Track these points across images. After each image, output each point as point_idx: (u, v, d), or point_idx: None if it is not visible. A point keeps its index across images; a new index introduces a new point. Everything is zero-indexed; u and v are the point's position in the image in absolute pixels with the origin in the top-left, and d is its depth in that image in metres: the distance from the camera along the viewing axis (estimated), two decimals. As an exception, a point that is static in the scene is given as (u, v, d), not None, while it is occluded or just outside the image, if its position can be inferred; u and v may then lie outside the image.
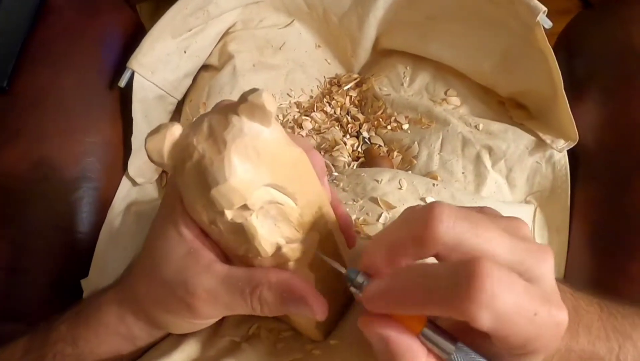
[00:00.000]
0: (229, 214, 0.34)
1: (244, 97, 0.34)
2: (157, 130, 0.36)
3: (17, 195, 0.69)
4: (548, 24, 0.69)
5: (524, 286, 0.29)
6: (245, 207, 0.34)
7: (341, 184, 0.63)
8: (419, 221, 0.31)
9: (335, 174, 0.67)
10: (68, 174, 0.72)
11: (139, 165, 0.77)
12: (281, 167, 0.36)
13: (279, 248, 0.37)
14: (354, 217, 0.58)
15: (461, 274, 0.29)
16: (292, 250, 0.37)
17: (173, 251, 0.38)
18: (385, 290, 0.32)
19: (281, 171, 0.36)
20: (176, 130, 0.36)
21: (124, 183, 0.77)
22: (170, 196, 0.40)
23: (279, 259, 0.37)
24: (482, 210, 0.37)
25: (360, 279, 0.34)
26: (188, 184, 0.35)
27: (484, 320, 0.28)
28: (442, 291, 0.29)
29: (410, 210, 0.34)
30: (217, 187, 0.33)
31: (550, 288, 0.31)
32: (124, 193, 0.76)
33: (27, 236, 0.69)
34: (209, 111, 0.37)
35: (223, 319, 0.48)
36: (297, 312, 0.37)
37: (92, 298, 0.48)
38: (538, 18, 0.68)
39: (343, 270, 0.35)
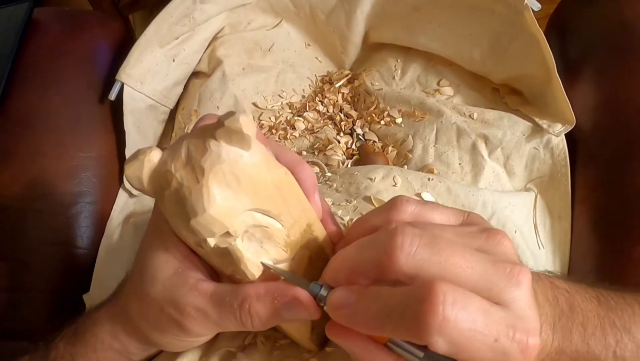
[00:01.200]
0: (211, 241, 0.34)
1: (220, 122, 0.33)
2: (135, 156, 0.35)
3: (14, 214, 0.70)
4: (537, 6, 0.68)
5: (483, 310, 0.29)
6: (228, 234, 0.34)
7: (335, 185, 0.63)
8: (381, 248, 0.31)
9: (329, 174, 0.66)
10: (64, 190, 0.72)
11: (135, 176, 0.77)
12: (263, 191, 0.35)
13: (266, 269, 0.36)
14: (347, 218, 0.57)
15: (414, 299, 0.29)
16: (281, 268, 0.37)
17: (161, 271, 0.38)
18: (347, 310, 0.32)
19: (264, 194, 0.35)
20: (154, 156, 0.35)
21: (121, 195, 0.77)
22: (157, 215, 0.40)
23: (267, 280, 0.37)
24: (468, 218, 0.38)
25: (324, 292, 0.34)
26: (169, 211, 0.35)
27: (439, 344, 0.28)
28: (397, 316, 0.29)
29: (377, 235, 0.34)
30: (196, 218, 0.33)
31: (521, 312, 0.31)
32: (121, 205, 0.76)
33: (26, 254, 0.69)
34: (188, 133, 0.36)
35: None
36: (290, 317, 0.36)
37: (88, 314, 0.48)
38: (526, 1, 0.67)
39: (306, 286, 0.35)
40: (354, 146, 0.76)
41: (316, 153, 0.76)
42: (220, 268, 0.37)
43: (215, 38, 0.85)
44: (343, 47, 0.86)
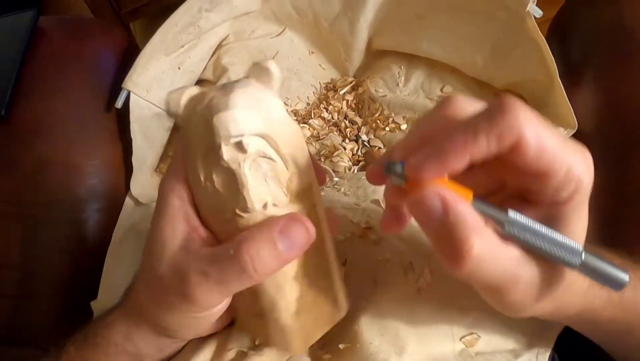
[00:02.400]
0: (225, 151, 0.36)
1: (254, 63, 0.39)
2: (179, 88, 0.39)
3: (21, 221, 0.70)
4: (538, 12, 0.69)
5: (546, 124, 0.31)
6: (240, 147, 0.36)
7: (343, 189, 0.63)
8: (439, 106, 0.35)
9: (337, 179, 0.67)
10: (71, 198, 0.72)
11: (142, 184, 0.77)
12: (278, 127, 0.38)
13: (265, 206, 0.38)
14: (356, 220, 0.57)
15: (493, 103, 0.31)
16: (278, 214, 0.38)
17: (168, 248, 0.38)
18: (430, 147, 0.32)
19: (278, 129, 0.38)
20: (195, 89, 0.39)
21: (128, 203, 0.77)
22: (163, 195, 0.40)
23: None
24: None
25: (398, 168, 0.34)
26: (194, 130, 0.38)
27: (529, 131, 0.30)
28: (482, 120, 0.30)
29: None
30: (218, 114, 0.36)
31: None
32: (128, 213, 0.76)
33: (33, 262, 0.69)
34: None
35: (229, 332, 0.48)
36: (290, 244, 0.36)
37: (99, 318, 0.48)
38: (528, 7, 0.68)
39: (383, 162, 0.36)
40: (359, 153, 0.77)
41: (322, 160, 0.76)
42: (222, 209, 0.38)
43: (219, 46, 0.86)
44: (347, 55, 0.87)
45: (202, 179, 0.38)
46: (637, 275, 0.44)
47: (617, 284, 0.33)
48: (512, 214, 0.32)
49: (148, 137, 0.78)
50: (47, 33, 0.80)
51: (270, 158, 0.38)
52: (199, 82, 0.85)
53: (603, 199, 0.65)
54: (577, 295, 0.39)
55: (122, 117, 0.77)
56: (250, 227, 0.37)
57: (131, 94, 0.75)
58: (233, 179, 0.37)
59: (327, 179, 0.69)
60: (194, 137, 0.38)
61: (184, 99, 0.39)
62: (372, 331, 0.47)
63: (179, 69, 0.80)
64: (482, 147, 0.30)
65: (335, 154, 0.75)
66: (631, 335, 0.44)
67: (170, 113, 0.39)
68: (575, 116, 0.67)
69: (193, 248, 0.38)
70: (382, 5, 0.81)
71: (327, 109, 0.83)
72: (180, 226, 0.38)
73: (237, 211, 0.37)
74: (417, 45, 0.80)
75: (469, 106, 0.33)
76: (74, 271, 0.71)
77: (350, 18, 0.82)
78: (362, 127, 0.80)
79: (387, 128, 0.77)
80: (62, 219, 0.72)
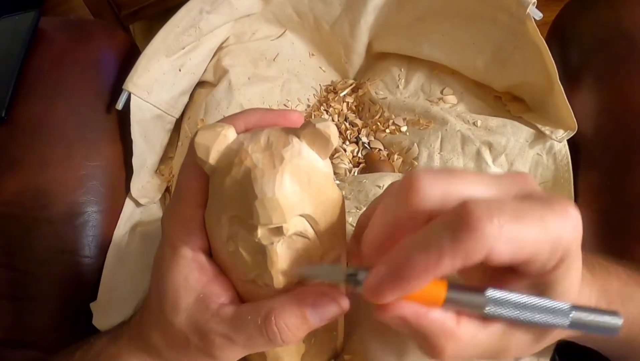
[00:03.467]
0: (260, 232, 0.33)
1: (311, 124, 0.34)
2: (211, 127, 0.35)
3: (21, 223, 0.70)
4: (538, 15, 0.69)
5: (518, 201, 0.29)
6: (278, 230, 0.34)
7: (343, 192, 0.63)
8: (401, 189, 0.30)
9: (337, 182, 0.67)
10: (71, 199, 0.72)
11: (142, 186, 0.77)
12: (323, 203, 0.35)
13: (290, 283, 0.36)
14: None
15: (458, 217, 0.27)
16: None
17: (182, 299, 0.37)
18: (388, 270, 0.29)
19: (321, 206, 0.35)
20: (231, 134, 0.35)
21: (128, 204, 0.77)
22: (169, 237, 0.39)
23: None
24: None
25: (361, 276, 0.32)
26: (225, 190, 0.34)
27: (501, 247, 0.27)
28: (445, 238, 0.27)
29: (388, 187, 0.33)
30: (263, 199, 0.32)
31: (546, 195, 0.30)
32: (128, 214, 0.76)
33: (33, 263, 0.69)
34: (269, 128, 0.36)
35: None
36: (320, 318, 0.35)
37: (106, 342, 0.47)
38: (528, 10, 0.68)
39: (341, 272, 0.33)
40: (360, 155, 0.77)
41: (322, 161, 0.76)
42: (243, 270, 0.37)
43: (220, 48, 0.86)
44: (347, 57, 0.87)
45: (224, 235, 0.35)
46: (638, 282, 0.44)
47: (610, 331, 0.32)
48: (491, 293, 0.31)
49: (148, 139, 0.78)
50: (48, 34, 0.79)
51: (307, 237, 0.35)
52: (200, 83, 0.85)
53: (603, 202, 0.66)
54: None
55: (123, 119, 0.77)
56: (275, 295, 0.36)
57: (132, 95, 0.75)
58: (262, 253, 0.34)
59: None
60: (223, 196, 0.35)
61: (216, 147, 0.34)
62: (374, 340, 0.47)
63: (180, 70, 0.80)
64: (447, 267, 0.28)
65: (335, 156, 0.75)
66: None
67: (196, 158, 0.35)
68: (575, 118, 0.67)
69: (212, 305, 0.37)
70: (383, 8, 0.81)
71: (327, 111, 0.83)
72: (194, 277, 0.37)
73: (260, 283, 0.36)
74: (417, 48, 0.81)
75: (435, 190, 0.29)
76: (74, 272, 0.71)
77: (351, 20, 0.83)
78: (363, 130, 0.80)
79: (388, 130, 0.77)
80: (62, 221, 0.71)
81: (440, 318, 0.30)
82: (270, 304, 0.35)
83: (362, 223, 0.38)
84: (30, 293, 0.69)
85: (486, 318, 0.31)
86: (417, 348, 0.32)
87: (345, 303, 0.35)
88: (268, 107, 0.82)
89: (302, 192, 0.34)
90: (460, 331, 0.31)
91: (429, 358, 0.32)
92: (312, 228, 0.35)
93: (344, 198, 0.38)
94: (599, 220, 0.66)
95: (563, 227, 0.28)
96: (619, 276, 0.43)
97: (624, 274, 0.44)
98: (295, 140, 0.34)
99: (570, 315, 0.31)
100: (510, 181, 0.31)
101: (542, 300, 0.31)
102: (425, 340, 0.31)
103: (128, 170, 0.77)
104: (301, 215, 0.34)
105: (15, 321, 0.68)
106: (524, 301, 0.31)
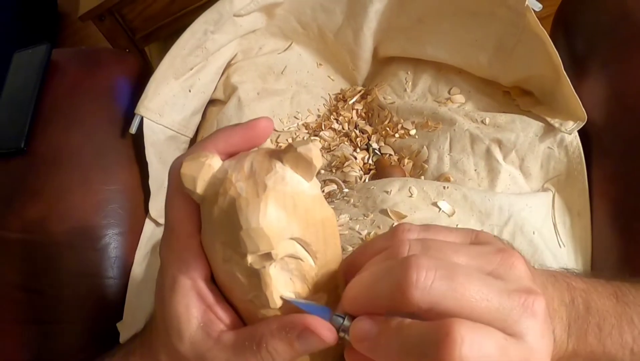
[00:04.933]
0: (250, 258, 0.34)
1: (293, 147, 0.34)
2: (195, 157, 0.35)
3: (45, 249, 0.72)
4: (538, 6, 0.68)
5: (500, 347, 0.29)
6: (268, 255, 0.34)
7: (352, 200, 0.64)
8: (395, 282, 0.31)
9: (346, 190, 0.67)
10: (92, 223, 0.74)
11: (160, 206, 0.79)
12: (312, 225, 0.35)
13: (286, 302, 0.36)
14: (365, 232, 0.58)
15: (433, 340, 0.29)
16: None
17: (186, 327, 0.38)
18: (369, 343, 0.32)
19: (310, 227, 0.35)
20: (215, 162, 0.35)
21: (148, 224, 0.79)
22: (168, 265, 0.40)
23: (284, 313, 0.37)
24: (477, 238, 0.37)
25: (347, 322, 0.34)
26: (214, 219, 0.35)
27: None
28: (418, 355, 0.30)
29: (391, 266, 0.32)
30: (248, 229, 0.33)
31: (534, 342, 0.31)
32: (149, 235, 0.78)
33: (58, 287, 0.71)
34: (251, 151, 0.37)
35: None
36: (305, 348, 0.36)
37: (121, 357, 0.48)
38: (527, 2, 0.67)
39: (327, 315, 0.35)
40: (370, 161, 0.77)
41: (334, 171, 0.77)
42: (240, 292, 0.37)
43: (228, 65, 0.87)
44: (354, 64, 0.88)
45: (220, 259, 0.36)
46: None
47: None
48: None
49: (163, 159, 0.79)
50: (60, 65, 0.82)
51: (299, 258, 0.36)
52: (211, 102, 0.87)
53: (617, 191, 0.65)
54: None
55: (138, 142, 0.79)
56: (270, 317, 0.37)
57: (144, 119, 0.77)
58: (256, 276, 0.35)
59: (337, 191, 0.69)
60: (214, 223, 0.35)
61: (202, 177, 0.35)
62: None
63: (190, 91, 0.82)
64: None
65: (346, 164, 0.76)
66: None
67: (183, 188, 0.35)
68: (584, 108, 0.66)
69: (213, 333, 0.38)
70: (384, 13, 0.81)
71: (337, 120, 0.84)
72: (194, 305, 0.38)
73: (258, 303, 0.37)
74: (421, 50, 0.81)
75: (429, 298, 0.30)
76: (99, 294, 0.73)
77: (354, 28, 0.83)
78: (373, 136, 0.80)
79: (397, 135, 0.77)
80: (84, 245, 0.74)
81: None
82: (262, 330, 0.37)
83: (348, 268, 0.39)
84: (56, 316, 0.71)
85: None
86: None
87: (330, 338, 0.35)
88: (279, 120, 0.83)
89: (288, 217, 0.34)
90: None
91: None
92: (305, 249, 0.36)
93: (334, 216, 0.38)
94: (615, 209, 0.64)
95: (529, 328, 0.30)
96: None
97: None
98: (278, 165, 0.34)
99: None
100: (514, 304, 0.31)
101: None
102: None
103: (146, 192, 0.79)
104: (291, 238, 0.35)
105: (42, 344, 0.70)
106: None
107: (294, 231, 0.34)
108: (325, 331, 0.35)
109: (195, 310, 0.38)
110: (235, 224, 0.33)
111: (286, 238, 0.34)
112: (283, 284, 0.36)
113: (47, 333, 0.70)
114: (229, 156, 0.38)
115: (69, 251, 0.73)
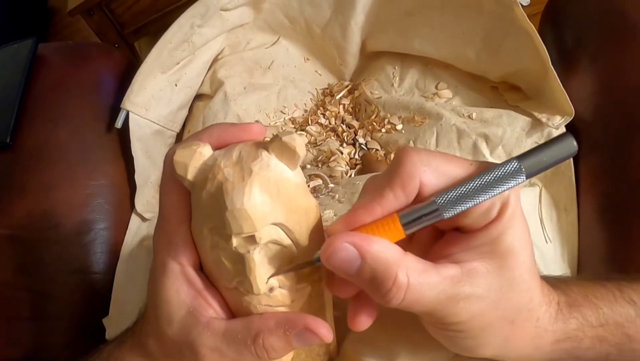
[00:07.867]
0: (234, 241, 0.35)
1: (278, 137, 0.35)
2: (188, 145, 0.37)
3: (31, 245, 0.72)
4: (525, 0, 0.68)
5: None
6: (252, 238, 0.35)
7: (337, 196, 0.63)
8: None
9: (332, 185, 0.67)
10: (78, 219, 0.74)
11: (147, 201, 0.79)
12: (295, 212, 0.36)
13: (271, 289, 0.37)
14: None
15: (394, 159, 0.34)
16: (283, 295, 0.38)
17: (175, 312, 0.39)
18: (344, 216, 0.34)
19: (294, 215, 0.36)
20: (207, 151, 0.37)
21: (134, 219, 0.78)
22: (161, 252, 0.40)
23: (268, 301, 0.38)
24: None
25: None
26: (203, 203, 0.36)
27: (428, 173, 0.32)
28: (383, 176, 0.34)
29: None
30: (232, 210, 0.34)
31: None
32: (135, 230, 0.78)
33: (45, 283, 0.71)
34: (242, 143, 0.38)
35: None
36: (303, 345, 0.37)
37: (113, 348, 0.47)
38: (514, -4, 0.67)
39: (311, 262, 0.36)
40: (356, 156, 0.77)
41: (320, 166, 0.77)
42: (227, 278, 0.38)
43: (215, 60, 0.87)
44: (341, 59, 0.87)
45: (208, 245, 0.37)
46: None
47: (568, 154, 0.31)
48: (439, 198, 0.32)
49: (150, 154, 0.79)
50: (46, 60, 0.82)
51: (282, 245, 0.37)
52: (198, 96, 0.87)
53: (605, 185, 0.64)
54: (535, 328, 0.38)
55: (124, 137, 0.79)
56: (254, 305, 0.38)
57: (130, 113, 0.77)
58: (241, 261, 0.36)
59: (323, 186, 0.69)
60: (202, 209, 0.37)
61: (193, 164, 0.36)
62: (364, 346, 0.47)
63: (176, 85, 0.82)
64: (390, 200, 0.32)
65: (332, 159, 0.76)
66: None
67: (175, 175, 0.37)
68: (573, 102, 0.66)
69: (202, 318, 0.38)
70: (372, 7, 0.81)
71: (324, 115, 0.83)
72: (184, 290, 0.39)
73: (242, 290, 0.37)
74: (409, 44, 0.80)
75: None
76: (85, 290, 0.73)
77: (341, 22, 0.83)
78: (359, 131, 0.80)
79: (384, 130, 0.77)
80: (70, 240, 0.73)
81: (385, 247, 0.32)
82: (258, 325, 0.37)
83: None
84: (43, 312, 0.71)
85: (438, 262, 0.33)
86: (370, 293, 0.34)
87: (329, 338, 0.36)
88: (265, 115, 0.83)
89: (272, 202, 0.35)
90: (410, 261, 0.32)
91: (383, 300, 0.33)
92: (288, 236, 0.37)
93: (318, 207, 0.39)
94: (602, 203, 0.64)
95: None
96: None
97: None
98: (264, 153, 0.35)
99: (522, 166, 0.31)
100: None
101: (486, 175, 0.31)
102: (377, 271, 0.32)
103: (132, 187, 0.79)
104: (274, 223, 0.36)
105: (29, 340, 0.69)
106: (471, 185, 0.32)
107: (277, 216, 0.35)
108: (324, 330, 0.36)
109: (184, 294, 0.38)
110: (221, 206, 0.34)
111: (270, 222, 0.35)
112: (266, 270, 0.37)
113: (36, 330, 0.70)
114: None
115: (55, 247, 0.72)
